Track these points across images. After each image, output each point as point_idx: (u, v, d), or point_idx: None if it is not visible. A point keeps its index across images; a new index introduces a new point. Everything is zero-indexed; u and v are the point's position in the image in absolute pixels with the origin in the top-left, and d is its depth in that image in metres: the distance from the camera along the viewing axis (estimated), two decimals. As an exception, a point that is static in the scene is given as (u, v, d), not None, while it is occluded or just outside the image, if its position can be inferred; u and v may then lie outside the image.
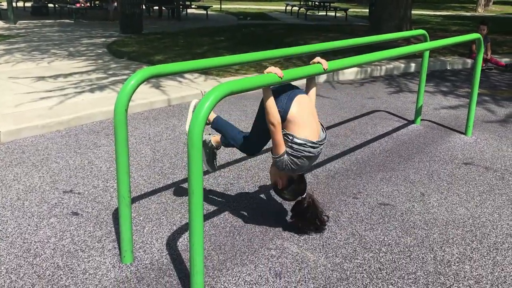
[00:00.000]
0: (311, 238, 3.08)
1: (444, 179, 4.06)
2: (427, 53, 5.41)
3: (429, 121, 5.73)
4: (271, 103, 2.69)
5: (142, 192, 3.65)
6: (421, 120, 5.68)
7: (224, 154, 4.46)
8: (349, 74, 8.01)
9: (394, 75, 8.44)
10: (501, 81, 8.24)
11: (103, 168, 4.06)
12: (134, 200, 3.52)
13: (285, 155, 2.77)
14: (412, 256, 2.91)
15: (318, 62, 2.90)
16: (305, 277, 2.67)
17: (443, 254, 2.94)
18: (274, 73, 2.60)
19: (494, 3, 30.64)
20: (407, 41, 10.23)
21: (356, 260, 2.85)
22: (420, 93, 5.47)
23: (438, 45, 4.34)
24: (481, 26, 8.90)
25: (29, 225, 3.13)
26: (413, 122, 5.64)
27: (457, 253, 2.95)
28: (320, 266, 2.78)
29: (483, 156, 4.61)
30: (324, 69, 2.88)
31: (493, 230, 3.24)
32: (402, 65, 8.66)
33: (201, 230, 2.30)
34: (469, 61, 9.28)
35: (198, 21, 16.51)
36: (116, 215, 3.29)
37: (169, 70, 2.71)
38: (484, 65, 8.79)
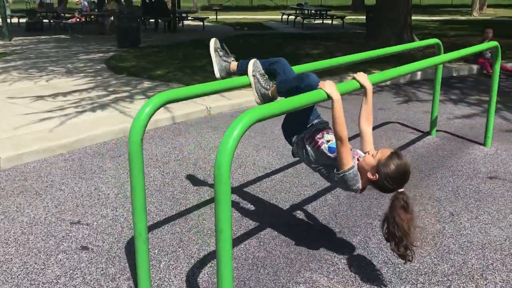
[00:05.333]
0: (341, 268, 2.86)
1: (471, 195, 3.85)
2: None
3: (444, 131, 5.54)
4: (342, 113, 2.46)
5: (155, 221, 3.43)
6: (436, 131, 5.48)
7: (237, 175, 4.24)
8: (355, 84, 7.82)
9: (400, 83, 8.26)
10: (511, 87, 8.07)
11: (111, 195, 3.83)
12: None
13: (354, 168, 2.52)
14: (453, 286, 2.69)
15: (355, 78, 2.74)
16: (341, 315, 2.46)
17: (485, 283, 2.72)
18: (326, 91, 2.46)
19: (488, 6, 30.69)
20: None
21: (393, 293, 2.63)
22: (435, 103, 5.28)
23: (461, 54, 4.18)
24: (487, 30, 8.74)
25: (35, 263, 2.89)
26: (428, 133, 5.44)
27: (500, 282, 2.74)
28: (355, 302, 2.56)
29: (507, 169, 4.41)
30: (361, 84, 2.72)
31: (534, 253, 3.03)
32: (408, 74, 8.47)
33: (231, 272, 2.08)
34: (474, 67, 9.12)
35: (195, 33, 16.34)
36: (129, 248, 3.06)
37: (186, 94, 2.51)
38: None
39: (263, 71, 2.93)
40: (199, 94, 2.60)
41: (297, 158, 2.99)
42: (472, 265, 2.90)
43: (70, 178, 4.15)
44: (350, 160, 2.49)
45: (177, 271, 2.84)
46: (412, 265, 2.88)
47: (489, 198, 3.82)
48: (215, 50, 3.10)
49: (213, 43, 3.11)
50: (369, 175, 2.49)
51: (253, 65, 2.92)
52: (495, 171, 4.37)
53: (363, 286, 2.69)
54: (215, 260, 2.93)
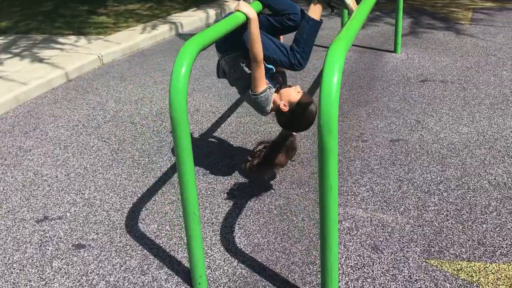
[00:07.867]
0: (366, 196, 2.81)
1: (420, 101, 4.06)
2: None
3: (352, 45, 5.67)
4: (259, 33, 2.41)
5: (138, 195, 2.95)
6: (345, 45, 5.58)
7: (190, 126, 3.83)
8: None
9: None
10: (374, -6, 8.52)
11: (61, 177, 3.18)
12: (136, 208, 2.82)
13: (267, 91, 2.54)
14: (471, 188, 2.84)
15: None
16: (402, 242, 2.42)
17: (494, 177, 2.92)
18: (244, 12, 2.35)
19: None
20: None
21: (430, 208, 2.68)
22: (344, 17, 5.34)
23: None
24: None
25: (30, 281, 2.29)
26: (339, 49, 5.52)
27: (503, 173, 2.97)
28: (405, 226, 2.55)
29: (428, 71, 4.72)
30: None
31: (510, 139, 3.33)
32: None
33: (336, 232, 1.87)
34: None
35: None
36: (134, 233, 2.60)
37: (215, 35, 2.07)
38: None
39: None
40: (228, 30, 2.18)
41: (233, 90, 2.81)
42: (471, 164, 3.08)
43: (-8, 168, 3.33)
44: (263, 83, 2.50)
45: (208, 242, 2.50)
46: (425, 177, 2.96)
47: (436, 100, 4.07)
48: None
49: None
50: (282, 105, 2.56)
51: None
52: (421, 74, 4.65)
53: (400, 208, 2.69)
54: (239, 219, 2.66)
